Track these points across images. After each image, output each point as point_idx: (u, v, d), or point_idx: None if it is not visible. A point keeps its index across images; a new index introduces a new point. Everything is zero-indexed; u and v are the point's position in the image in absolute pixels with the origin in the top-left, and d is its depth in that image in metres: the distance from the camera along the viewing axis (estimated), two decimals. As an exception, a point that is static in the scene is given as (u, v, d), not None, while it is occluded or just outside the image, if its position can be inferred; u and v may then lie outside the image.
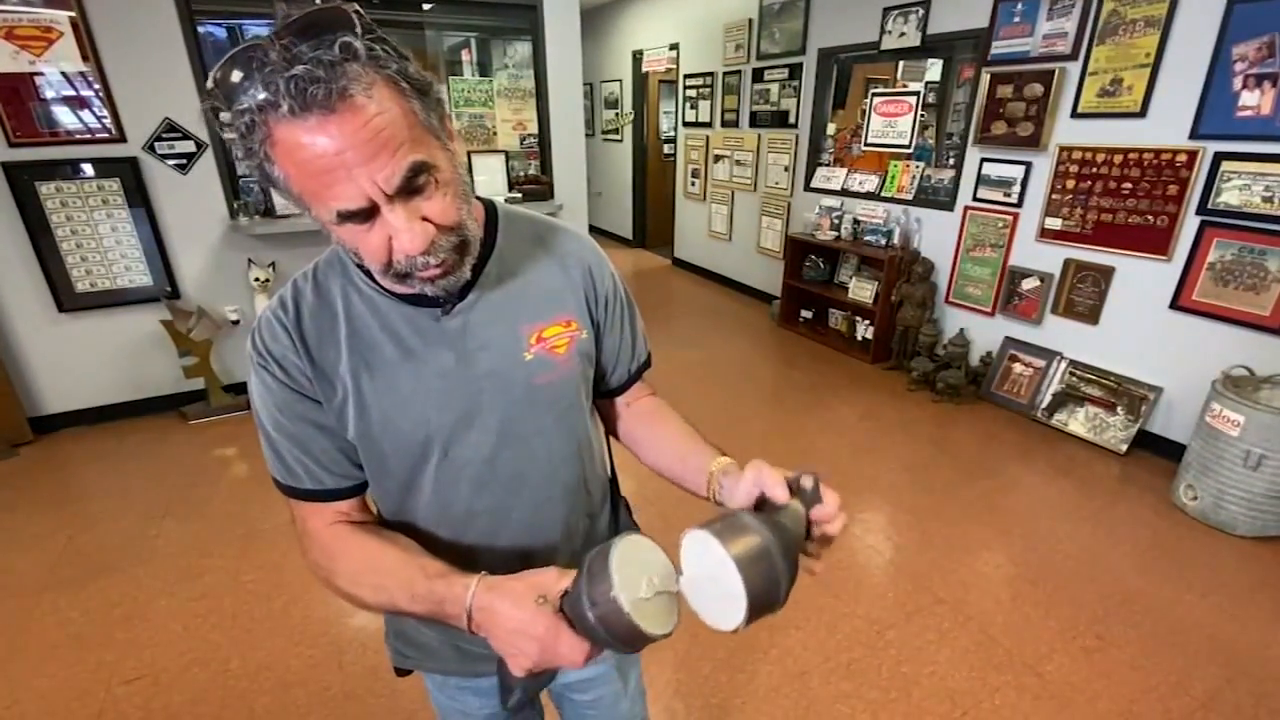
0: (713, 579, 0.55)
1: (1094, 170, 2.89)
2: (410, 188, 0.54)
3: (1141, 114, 2.69)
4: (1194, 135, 2.55)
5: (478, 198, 0.74)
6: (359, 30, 0.50)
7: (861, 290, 3.98)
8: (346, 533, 0.72)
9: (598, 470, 0.88)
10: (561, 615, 0.58)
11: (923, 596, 2.05)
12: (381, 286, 0.68)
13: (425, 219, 0.57)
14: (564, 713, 1.01)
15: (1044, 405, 3.19)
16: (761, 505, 0.63)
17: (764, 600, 0.53)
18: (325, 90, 0.47)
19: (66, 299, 2.96)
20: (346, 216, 0.54)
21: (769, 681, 1.75)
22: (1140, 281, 2.84)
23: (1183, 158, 2.59)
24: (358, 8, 0.52)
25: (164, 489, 2.65)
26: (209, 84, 0.51)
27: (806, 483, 0.63)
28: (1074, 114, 2.92)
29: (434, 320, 0.69)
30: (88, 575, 2.15)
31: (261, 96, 0.48)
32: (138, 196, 2.98)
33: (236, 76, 0.49)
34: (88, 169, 2.87)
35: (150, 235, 3.05)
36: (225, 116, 0.51)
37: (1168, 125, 2.62)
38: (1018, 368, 3.36)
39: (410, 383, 0.69)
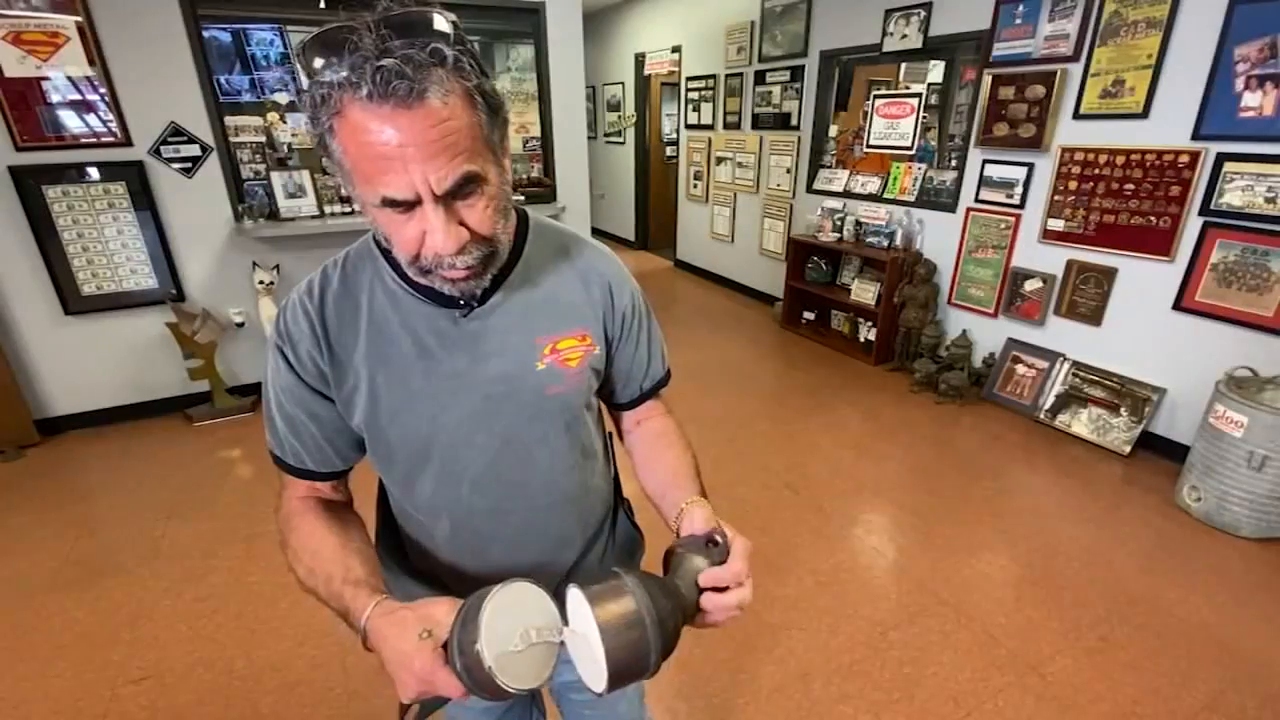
0: (585, 639, 0.55)
1: (1096, 171, 2.89)
2: (458, 193, 0.56)
3: (1144, 115, 2.69)
4: (1196, 136, 2.55)
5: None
6: (452, 39, 0.53)
7: (864, 292, 3.98)
8: (309, 509, 0.75)
9: (599, 481, 0.88)
10: (443, 652, 0.56)
11: (925, 598, 2.05)
12: (407, 282, 0.70)
13: (462, 224, 0.58)
14: (564, 711, 1.02)
15: (1047, 406, 3.19)
16: (708, 543, 0.65)
17: (626, 669, 0.54)
18: (407, 86, 0.50)
19: (73, 302, 2.98)
20: (390, 203, 0.55)
21: (771, 682, 1.75)
22: (1143, 282, 2.84)
23: (1185, 158, 2.59)
24: (454, 18, 0.55)
25: (169, 490, 2.67)
26: (297, 48, 0.55)
27: (718, 538, 0.64)
28: (1076, 115, 2.92)
29: (453, 323, 0.71)
30: (94, 576, 2.16)
31: (344, 75, 0.50)
32: (143, 200, 3.00)
33: (326, 51, 0.52)
34: (94, 173, 2.89)
35: (155, 238, 3.07)
36: (304, 82, 0.54)
37: (1170, 126, 2.62)
38: (1020, 369, 3.36)
39: (421, 381, 0.71)
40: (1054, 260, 3.16)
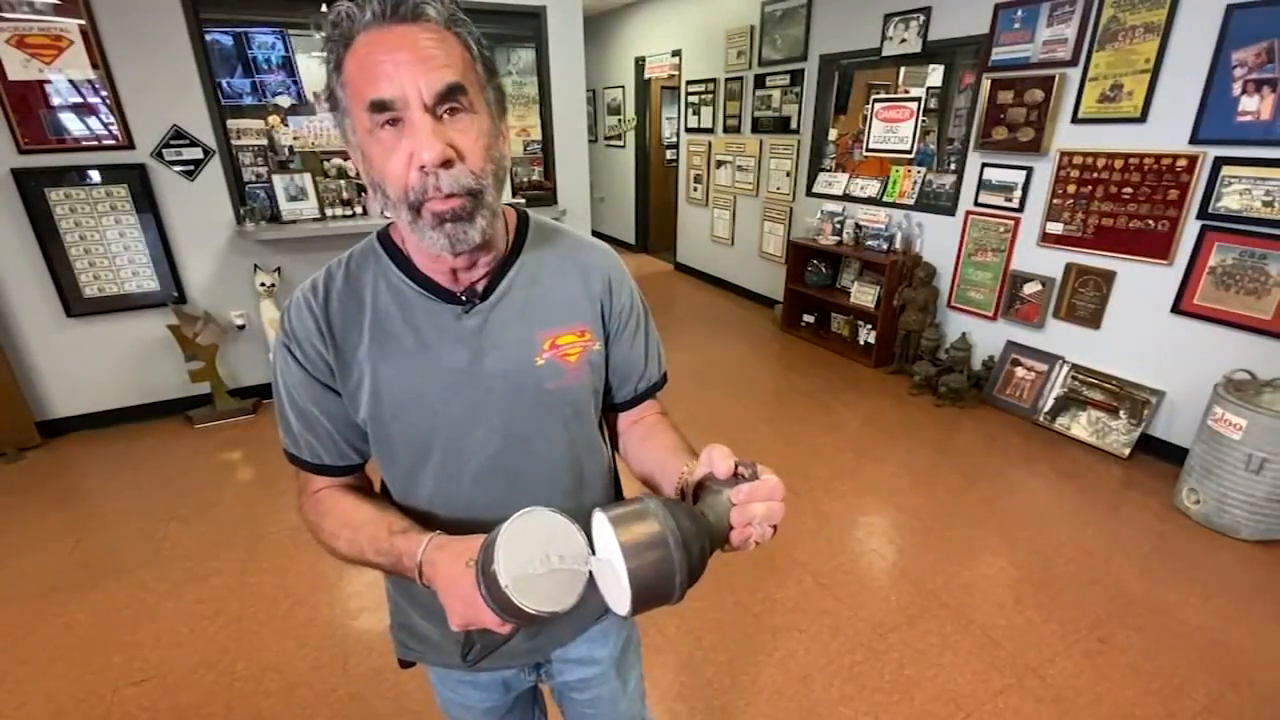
0: (610, 563, 0.55)
1: (1095, 175, 2.90)
2: (446, 104, 0.60)
3: (1142, 119, 2.70)
4: (1194, 140, 2.56)
5: (511, 206, 0.79)
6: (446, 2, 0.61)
7: (864, 295, 3.99)
8: (336, 494, 0.78)
9: (599, 477, 0.89)
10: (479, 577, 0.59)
11: (925, 600, 2.06)
12: (411, 278, 0.72)
13: (450, 145, 0.60)
14: (565, 711, 1.02)
15: (1046, 409, 3.20)
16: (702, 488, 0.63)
17: (649, 590, 0.53)
18: (409, 7, 0.58)
19: (75, 304, 2.99)
20: (379, 107, 0.58)
21: (771, 684, 1.75)
22: (1142, 285, 2.85)
23: (1183, 162, 2.60)
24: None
25: (170, 492, 2.67)
26: (322, 9, 0.61)
27: (745, 471, 0.61)
28: (1074, 119, 2.93)
29: (454, 318, 0.72)
30: (95, 578, 2.16)
31: (353, 7, 0.58)
32: (145, 203, 3.01)
33: (339, 4, 0.59)
34: (96, 175, 2.90)
35: (157, 241, 3.08)
36: (322, 35, 0.61)
37: (1168, 130, 2.63)
38: (1020, 372, 3.37)
39: (423, 376, 0.72)
40: (1053, 263, 3.17)
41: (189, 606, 2.03)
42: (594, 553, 0.58)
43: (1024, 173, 3.19)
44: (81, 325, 3.05)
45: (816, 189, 4.50)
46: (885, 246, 3.86)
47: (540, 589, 0.55)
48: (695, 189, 6.01)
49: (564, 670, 0.93)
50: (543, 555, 0.56)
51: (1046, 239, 3.16)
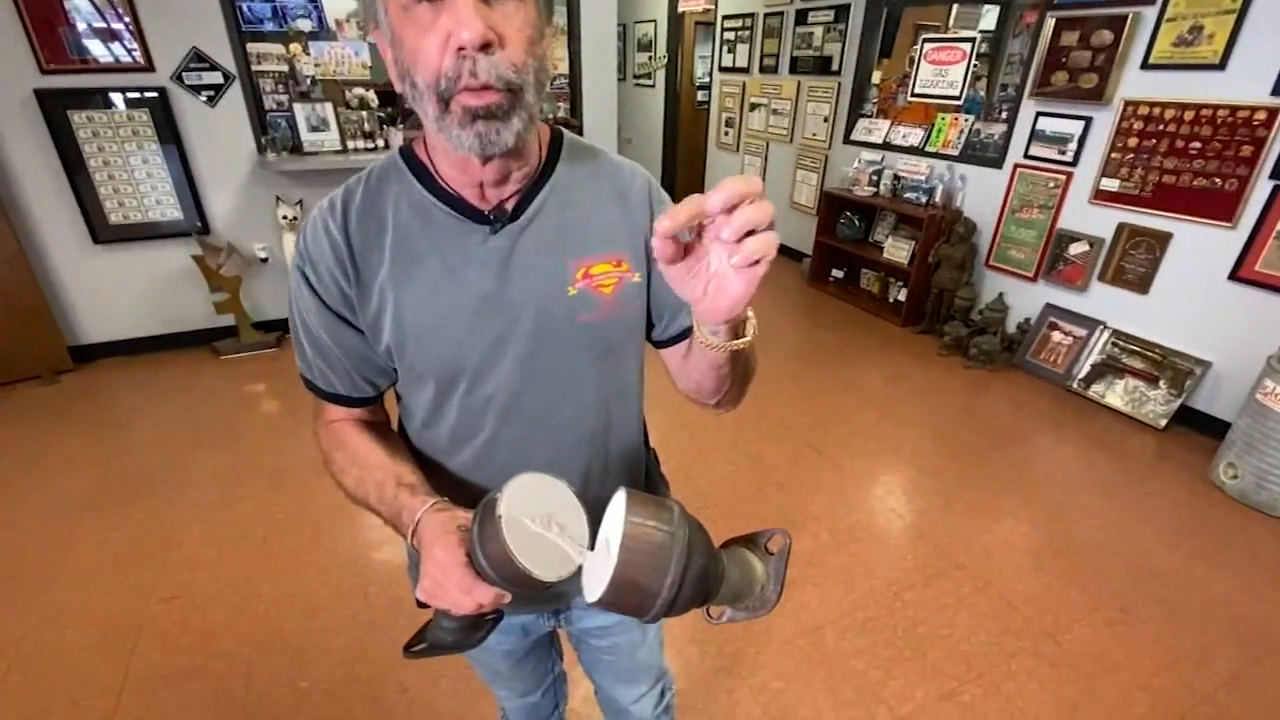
0: (607, 542, 0.52)
1: (1161, 128, 2.70)
2: None
3: (1220, 66, 2.48)
4: (1277, 92, 2.35)
5: (546, 122, 0.72)
6: None
7: (897, 250, 3.84)
8: (351, 427, 0.76)
9: (628, 425, 0.84)
10: (464, 547, 0.58)
11: (943, 561, 2.03)
12: (435, 194, 0.67)
13: (493, 29, 0.54)
14: (582, 656, 1.02)
15: (1081, 376, 3.09)
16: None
17: (631, 585, 0.49)
18: None
19: (101, 231, 2.99)
20: None
21: (783, 634, 1.76)
22: (1199, 249, 2.68)
23: (1262, 116, 2.40)
24: None
25: (197, 421, 2.72)
26: None
27: (772, 546, 0.63)
28: (1144, 65, 2.71)
29: (481, 241, 0.67)
30: (126, 499, 2.23)
31: None
32: (168, 131, 2.96)
33: None
34: (119, 101, 2.85)
35: (180, 170, 3.04)
36: None
37: (1249, 80, 2.42)
38: (1057, 336, 3.24)
39: (448, 302, 0.68)
40: (1104, 223, 3.00)
41: (215, 531, 2.09)
42: (591, 548, 0.56)
43: (1082, 123, 2.98)
44: (108, 252, 3.06)
45: (855, 136, 4.28)
46: (924, 199, 3.69)
47: (530, 544, 0.53)
48: (726, 133, 5.77)
49: (584, 617, 0.91)
50: (546, 516, 0.56)
51: (1100, 196, 2.98)
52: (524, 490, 0.55)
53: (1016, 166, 3.32)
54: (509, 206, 0.67)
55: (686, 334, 0.79)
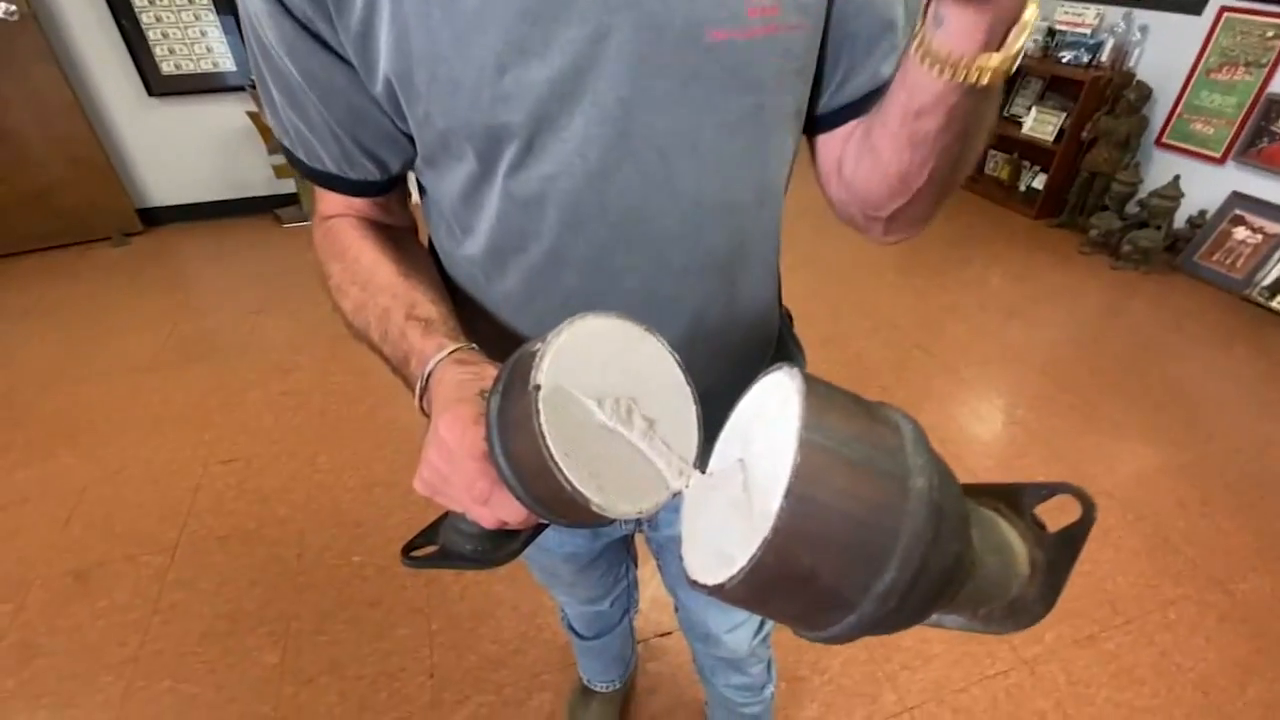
0: (749, 475, 0.27)
1: None
2: None
3: None
4: None
5: None
6: None
7: (1042, 124, 3.18)
8: (353, 232, 0.52)
9: (768, 255, 0.56)
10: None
11: (1082, 484, 1.70)
12: None
13: None
14: (666, 569, 0.79)
15: (1265, 283, 2.52)
16: None
17: (798, 572, 0.23)
18: None
19: (154, 82, 2.82)
20: None
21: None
22: None
23: None
24: None
25: (259, 287, 2.63)
26: None
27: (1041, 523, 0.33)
28: None
29: None
30: (189, 360, 2.18)
31: None
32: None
33: None
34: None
35: (232, 21, 2.79)
36: None
37: None
38: (1240, 233, 2.63)
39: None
40: (1343, 82, 2.30)
41: (274, 397, 2.00)
42: (703, 470, 0.32)
43: (1341, -60, 2.23)
44: (164, 106, 2.90)
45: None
46: (1086, 59, 2.98)
47: (587, 445, 0.28)
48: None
49: (674, 520, 0.66)
50: (616, 399, 0.30)
51: (1346, 45, 2.27)
52: (586, 344, 0.30)
53: (1223, 11, 2.58)
54: None
55: (872, 99, 0.47)
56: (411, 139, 0.47)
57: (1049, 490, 0.33)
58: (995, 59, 0.33)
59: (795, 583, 0.23)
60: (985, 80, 0.33)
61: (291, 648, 1.31)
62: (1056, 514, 0.34)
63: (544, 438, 0.27)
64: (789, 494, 0.22)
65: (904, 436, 0.26)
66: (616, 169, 0.44)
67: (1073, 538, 0.31)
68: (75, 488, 1.65)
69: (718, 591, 0.25)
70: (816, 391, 0.25)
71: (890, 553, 0.23)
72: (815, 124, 0.52)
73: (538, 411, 0.27)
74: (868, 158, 0.46)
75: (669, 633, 1.37)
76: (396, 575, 1.46)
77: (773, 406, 0.27)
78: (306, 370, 2.13)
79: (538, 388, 0.28)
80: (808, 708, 1.24)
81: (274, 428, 1.88)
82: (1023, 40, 0.32)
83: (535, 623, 1.37)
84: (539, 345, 0.29)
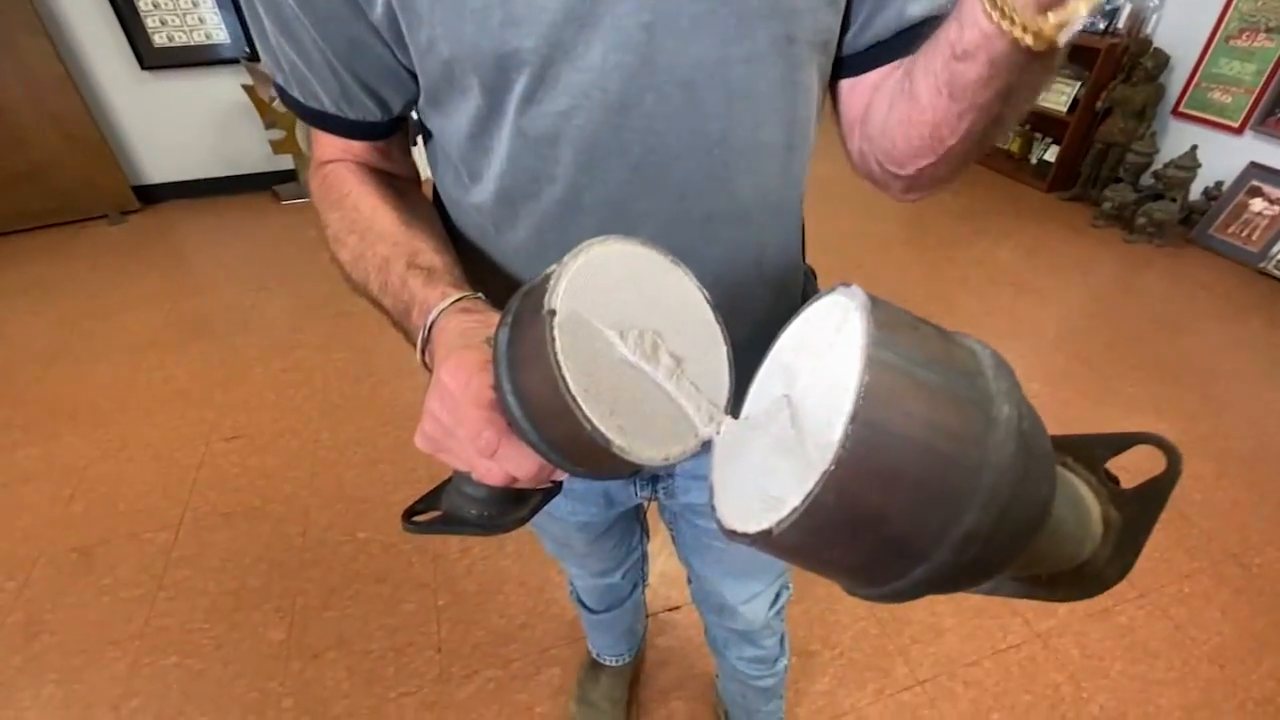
0: (792, 409, 0.24)
1: None
2: None
3: None
4: None
5: None
6: None
7: (1056, 94, 3.11)
8: (352, 176, 0.49)
9: (794, 201, 0.52)
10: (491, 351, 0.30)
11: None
12: None
13: None
14: (679, 538, 0.77)
15: (1282, 256, 2.47)
16: None
17: (862, 516, 0.20)
18: None
19: (147, 55, 2.76)
20: None
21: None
22: None
23: None
24: None
25: (259, 265, 2.60)
26: None
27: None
28: None
29: None
30: (190, 338, 2.15)
31: None
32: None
33: None
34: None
35: (223, -15, 2.73)
36: None
37: None
38: (1258, 204, 2.58)
39: None
40: (1370, 46, 2.23)
41: (276, 375, 1.98)
42: (735, 414, 0.29)
43: (1373, -104, 2.14)
44: (157, 80, 2.84)
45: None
46: (1104, 25, 2.90)
47: (605, 382, 0.25)
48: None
49: (691, 488, 0.64)
50: (640, 332, 0.28)
51: (1374, 7, 2.19)
52: (607, 270, 0.27)
53: (1247, -27, 2.50)
54: None
55: (900, 42, 0.44)
56: (414, 74, 0.44)
57: (1125, 441, 0.30)
58: (1048, 22, 0.29)
59: (858, 526, 0.21)
60: (1029, 42, 0.30)
61: (298, 623, 1.30)
62: (1130, 471, 0.31)
63: (560, 368, 0.24)
64: (854, 418, 0.19)
65: (982, 361, 0.23)
66: (637, 104, 0.40)
67: (1155, 494, 0.28)
68: (77, 465, 1.64)
69: (763, 540, 0.22)
70: (882, 307, 0.22)
71: (973, 491, 0.20)
72: (840, 67, 0.48)
73: (553, 339, 0.24)
74: (903, 104, 0.42)
75: (678, 607, 1.35)
76: (402, 551, 1.44)
77: (823, 335, 0.24)
78: (308, 347, 2.10)
79: (552, 312, 0.25)
80: (819, 681, 1.23)
81: (276, 405, 1.86)
82: (1084, 11, 0.29)
83: (543, 597, 1.36)
84: (554, 268, 0.26)
